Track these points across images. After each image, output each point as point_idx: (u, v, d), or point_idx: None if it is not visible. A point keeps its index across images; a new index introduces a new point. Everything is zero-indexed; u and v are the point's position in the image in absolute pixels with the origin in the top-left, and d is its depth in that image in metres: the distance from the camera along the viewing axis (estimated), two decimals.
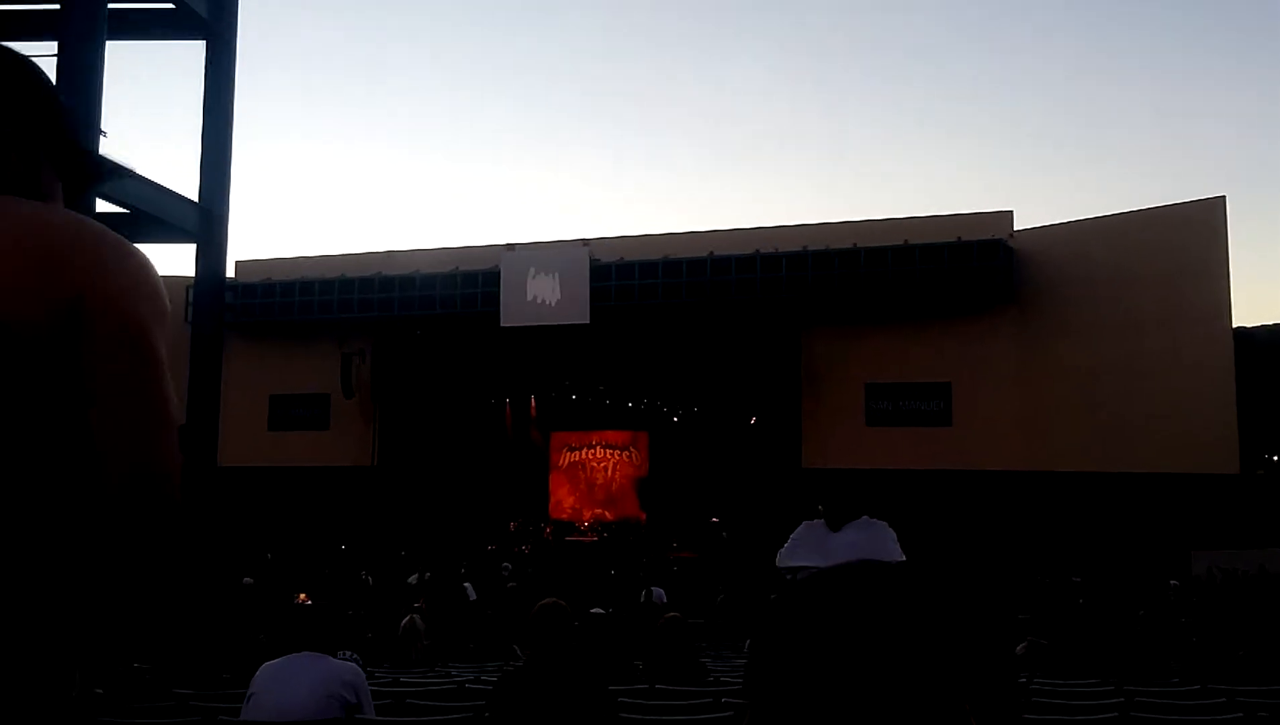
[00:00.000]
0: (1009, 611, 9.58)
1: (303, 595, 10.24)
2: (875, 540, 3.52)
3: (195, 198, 10.36)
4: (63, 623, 0.97)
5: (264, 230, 53.55)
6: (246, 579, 11.52)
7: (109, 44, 8.42)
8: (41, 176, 1.15)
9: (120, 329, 0.99)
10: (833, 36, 45.75)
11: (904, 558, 3.04)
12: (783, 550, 3.92)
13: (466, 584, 11.76)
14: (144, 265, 1.05)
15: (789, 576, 3.82)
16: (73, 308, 0.96)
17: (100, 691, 3.90)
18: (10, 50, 1.14)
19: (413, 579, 12.94)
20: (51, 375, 0.95)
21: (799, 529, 3.93)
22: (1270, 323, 21.99)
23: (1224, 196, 17.82)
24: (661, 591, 11.66)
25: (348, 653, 4.89)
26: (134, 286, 1.02)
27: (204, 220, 10.13)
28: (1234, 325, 17.77)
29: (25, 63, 1.14)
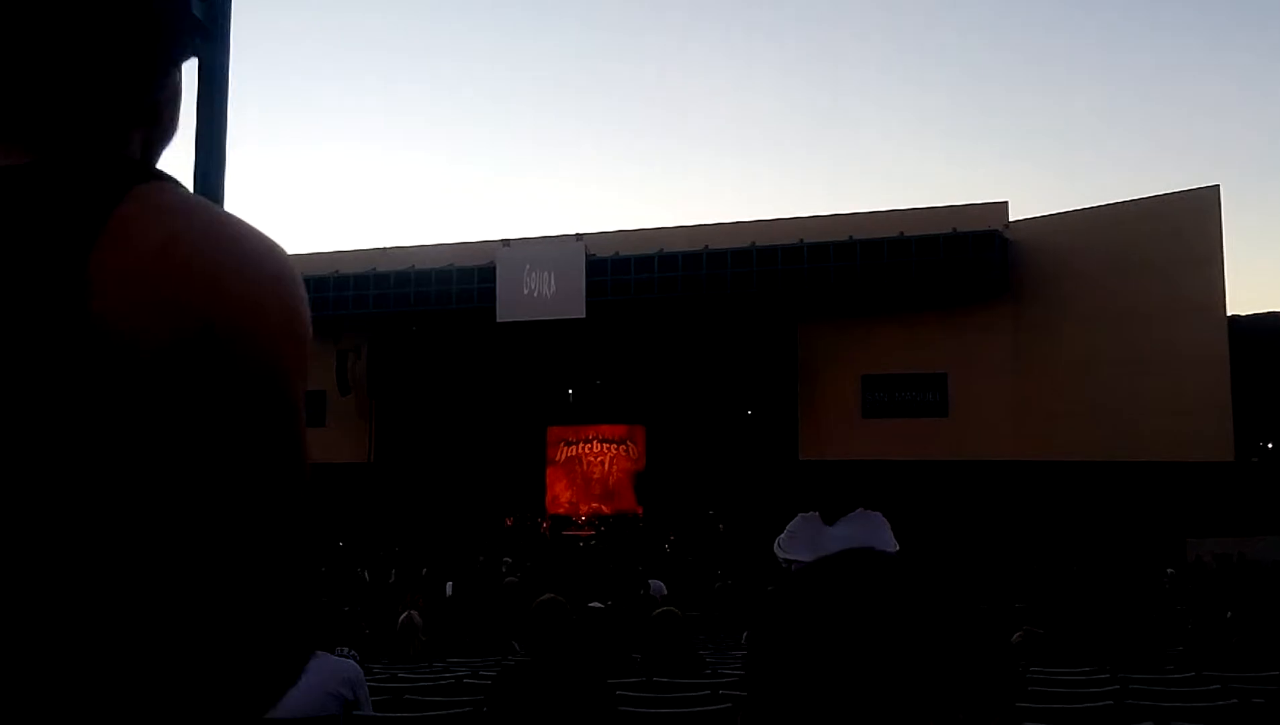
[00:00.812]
0: (1005, 600, 9.62)
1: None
2: (870, 532, 3.54)
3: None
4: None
5: (258, 227, 53.47)
6: None
7: None
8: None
9: (255, 374, 0.79)
10: (828, 29, 45.73)
11: (899, 549, 3.06)
12: (780, 540, 3.94)
13: (449, 582, 11.80)
14: (286, 281, 0.84)
15: (786, 567, 3.84)
16: (202, 336, 0.77)
17: None
18: None
19: (392, 578, 12.97)
20: (174, 411, 0.78)
21: (795, 521, 3.95)
22: (1265, 311, 22.08)
23: (1218, 186, 17.89)
24: (660, 584, 11.68)
25: (345, 649, 4.91)
26: (276, 319, 0.81)
27: None
28: (1228, 314, 17.83)
29: None
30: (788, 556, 3.83)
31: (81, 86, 0.85)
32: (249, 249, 0.82)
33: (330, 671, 3.86)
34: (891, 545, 3.19)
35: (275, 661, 0.81)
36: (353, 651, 5.14)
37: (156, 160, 0.96)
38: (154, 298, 0.76)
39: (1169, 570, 13.21)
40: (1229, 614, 6.44)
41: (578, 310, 20.96)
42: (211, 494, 0.78)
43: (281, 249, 0.86)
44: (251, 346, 0.79)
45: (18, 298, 0.74)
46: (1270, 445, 21.31)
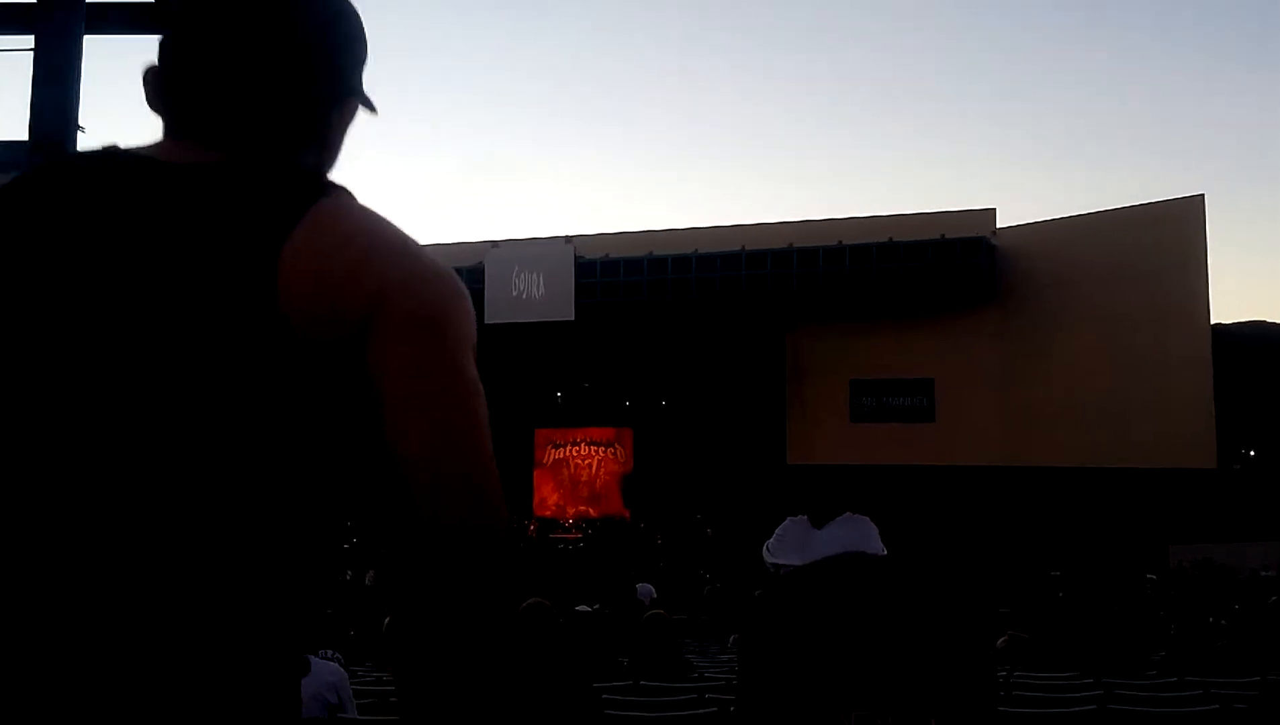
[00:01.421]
0: (990, 605, 9.66)
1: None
2: (859, 536, 3.54)
3: None
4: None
5: None
6: None
7: (87, 39, 8.36)
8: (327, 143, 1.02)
9: (416, 311, 0.85)
10: (817, 35, 45.89)
11: (886, 554, 3.07)
12: (768, 544, 3.95)
13: (369, 571, 11.92)
14: (452, 273, 0.92)
15: (774, 571, 3.85)
16: (373, 306, 0.83)
17: None
18: None
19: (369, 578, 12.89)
20: (349, 381, 0.83)
21: (784, 525, 3.95)
22: (1248, 320, 22.26)
23: (1203, 195, 18.01)
24: (649, 587, 11.67)
25: (329, 652, 4.89)
26: (437, 280, 0.88)
27: None
28: (1212, 322, 17.96)
29: None
30: (776, 560, 3.83)
31: (270, 104, 0.95)
32: (419, 248, 0.91)
33: (314, 675, 3.84)
34: (879, 549, 3.20)
35: (471, 546, 0.82)
36: (337, 654, 5.12)
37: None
38: (337, 276, 0.83)
39: (1150, 576, 13.29)
40: (1211, 620, 6.48)
41: (567, 312, 20.95)
42: (392, 407, 0.83)
43: (453, 275, 0.94)
44: (420, 295, 0.86)
45: (217, 276, 0.81)
46: (1252, 453, 21.48)
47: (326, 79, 0.98)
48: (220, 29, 0.94)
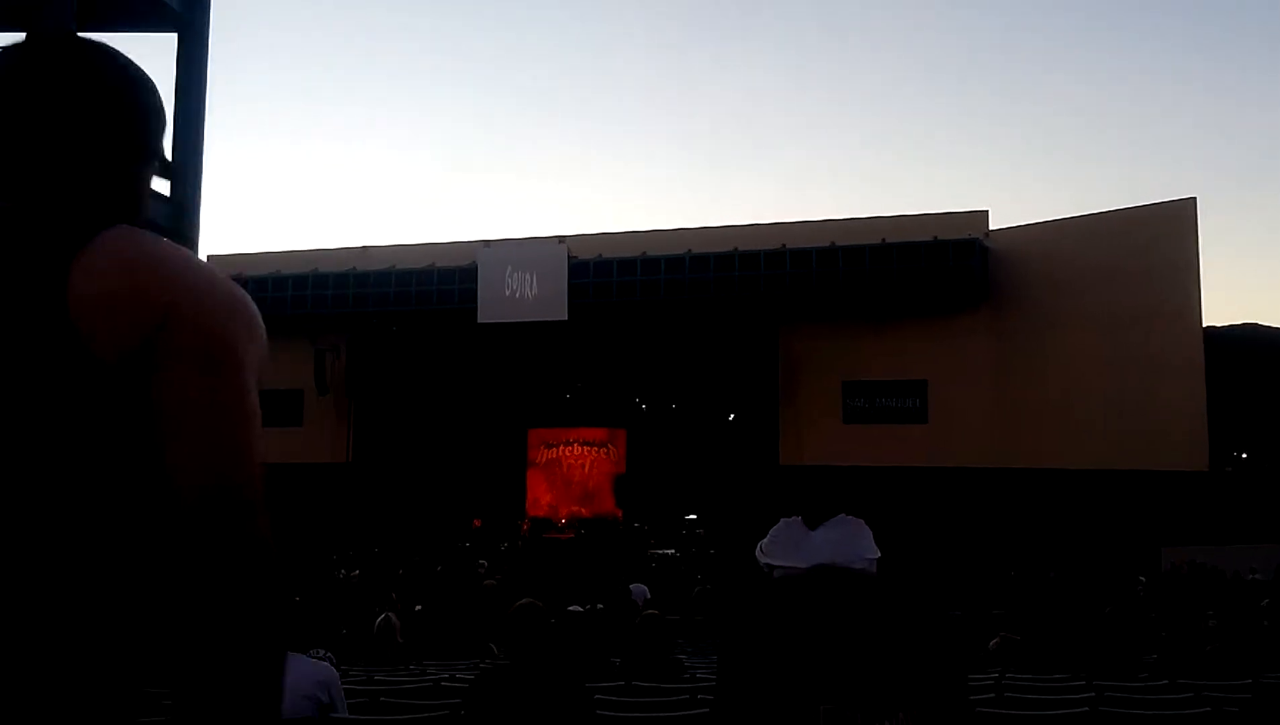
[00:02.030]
0: (982, 606, 9.67)
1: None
2: (851, 538, 3.54)
3: (166, 191, 10.24)
4: (132, 661, 0.92)
5: (237, 224, 53.18)
6: None
7: (79, 35, 8.31)
8: (139, 190, 1.11)
9: (201, 337, 0.92)
10: (811, 37, 45.94)
11: (879, 555, 3.07)
12: (762, 544, 3.95)
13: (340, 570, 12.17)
14: (241, 296, 0.99)
15: (768, 571, 3.86)
16: (158, 326, 0.91)
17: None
18: (98, 45, 1.09)
19: (369, 577, 12.87)
20: (132, 398, 0.90)
21: (777, 525, 3.95)
22: (1239, 323, 22.36)
23: (1195, 198, 18.10)
24: (643, 588, 11.63)
25: (320, 651, 4.86)
26: (224, 306, 0.96)
27: (175, 214, 10.01)
28: (1204, 325, 18.05)
29: (116, 59, 1.09)
30: (769, 561, 3.83)
31: (74, 168, 1.03)
32: (203, 267, 0.98)
33: (305, 674, 3.83)
34: (873, 552, 3.20)
35: (225, 547, 0.90)
36: (328, 653, 5.09)
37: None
38: (123, 295, 0.90)
39: (1141, 578, 13.32)
40: (1204, 622, 6.50)
41: (560, 312, 20.94)
42: (168, 422, 0.90)
43: (241, 291, 1.01)
44: (205, 321, 0.93)
45: (12, 298, 0.88)
46: (1244, 455, 21.58)
47: (131, 148, 1.07)
48: (26, 103, 1.03)
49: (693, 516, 22.43)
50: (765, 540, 4.29)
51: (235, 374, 0.94)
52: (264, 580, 0.91)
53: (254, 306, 1.00)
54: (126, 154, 1.08)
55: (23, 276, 0.90)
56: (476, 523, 23.06)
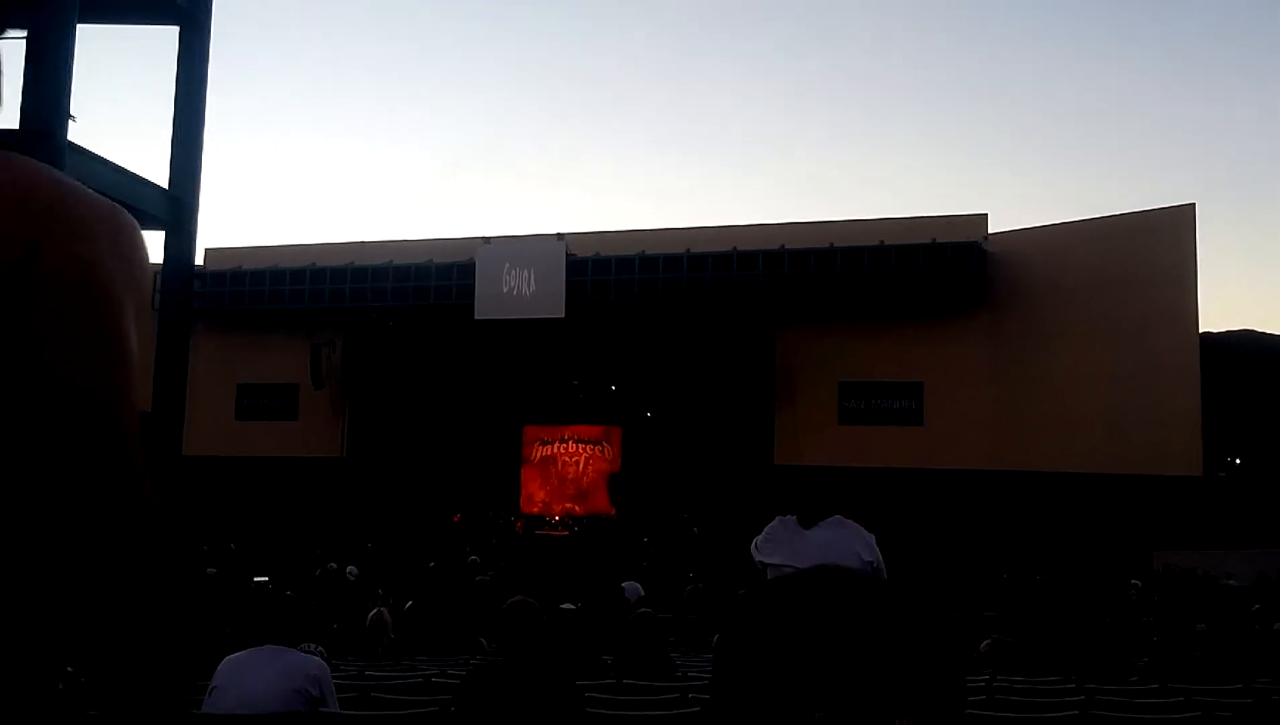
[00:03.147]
0: (975, 608, 9.68)
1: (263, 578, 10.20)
2: (846, 540, 3.54)
3: (165, 184, 10.22)
4: (22, 614, 0.86)
5: (235, 218, 53.06)
6: (210, 569, 11.41)
7: (81, 27, 8.29)
8: None
9: (76, 269, 0.86)
10: (811, 37, 45.92)
11: (875, 558, 3.07)
12: (757, 542, 3.94)
13: (350, 567, 12.25)
14: (122, 226, 0.92)
15: (762, 570, 3.84)
16: (28, 254, 0.84)
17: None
18: None
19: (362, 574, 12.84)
20: (13, 325, 0.84)
21: (772, 524, 3.95)
22: (1235, 329, 22.39)
23: (1194, 204, 18.10)
24: (637, 586, 11.61)
25: (312, 645, 4.86)
26: (102, 240, 0.90)
27: (173, 207, 10.00)
28: (1201, 331, 18.05)
29: None
30: (764, 560, 3.83)
31: None
32: (83, 195, 0.91)
33: (296, 668, 3.82)
34: (868, 553, 3.20)
35: (101, 481, 0.84)
36: (319, 648, 5.09)
37: None
38: None
39: (1134, 582, 13.33)
40: (1197, 627, 6.51)
41: (557, 310, 20.91)
42: (42, 354, 0.84)
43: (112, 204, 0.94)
44: (76, 252, 0.86)
45: None
46: (1238, 461, 21.62)
47: None
48: None
49: (687, 515, 22.41)
50: (760, 538, 4.29)
51: (111, 318, 0.88)
52: (139, 540, 0.86)
53: (130, 224, 0.94)
54: None
55: None
56: (456, 518, 22.95)
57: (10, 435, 0.85)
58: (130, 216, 0.95)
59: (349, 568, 12.63)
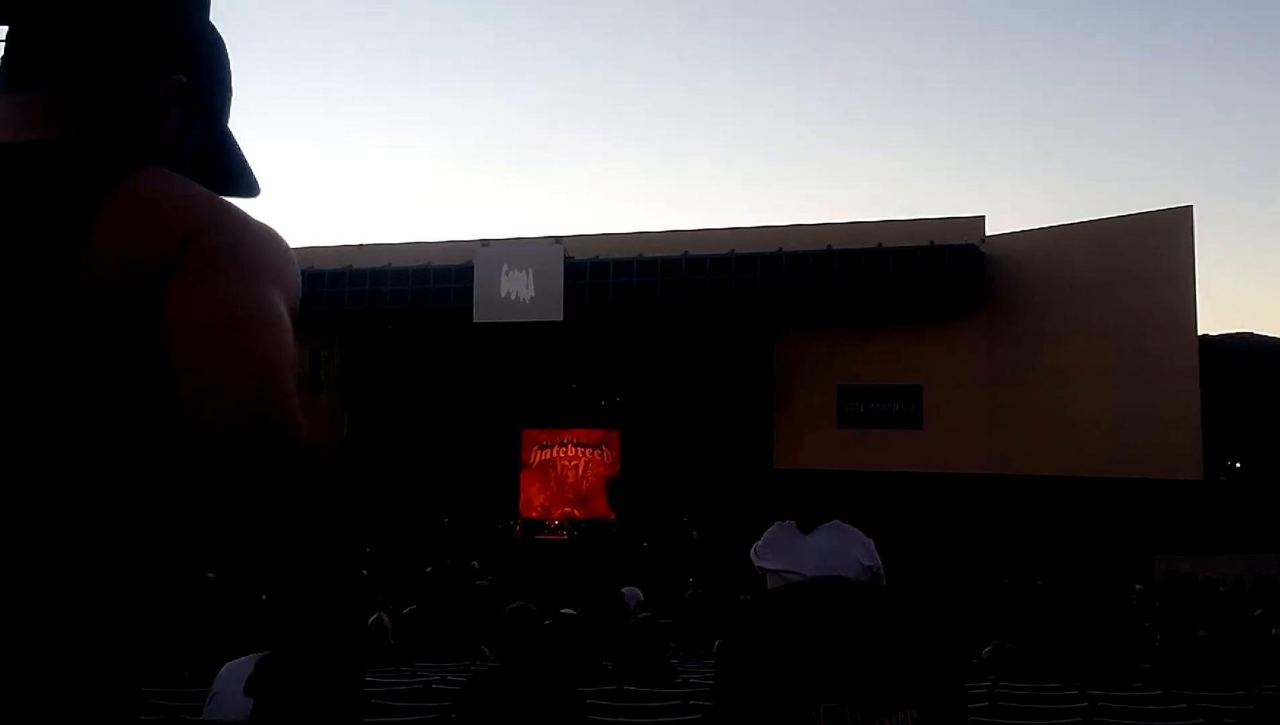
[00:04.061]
0: (976, 613, 9.65)
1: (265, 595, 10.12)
2: (846, 545, 3.52)
3: None
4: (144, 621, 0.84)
5: None
6: (209, 574, 11.37)
7: None
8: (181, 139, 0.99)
9: (221, 242, 0.83)
10: (809, 40, 45.99)
11: (875, 563, 3.05)
12: (756, 547, 3.93)
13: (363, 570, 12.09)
14: (275, 233, 0.89)
15: (761, 575, 3.84)
16: (173, 258, 0.81)
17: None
18: None
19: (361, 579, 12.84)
20: (141, 346, 0.81)
21: (771, 528, 3.93)
22: (1234, 332, 22.40)
23: (1191, 206, 18.12)
24: (636, 591, 11.58)
25: None
26: (258, 234, 0.87)
27: None
28: (1199, 333, 18.05)
29: None
30: (763, 565, 3.82)
31: (94, 61, 0.93)
32: (235, 207, 0.89)
33: None
34: (868, 558, 3.18)
35: (273, 479, 0.79)
36: None
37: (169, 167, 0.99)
38: (141, 232, 0.81)
39: (1136, 587, 13.31)
40: (1200, 633, 6.48)
41: (555, 313, 20.90)
42: (184, 346, 0.80)
43: (275, 231, 0.91)
44: (232, 238, 0.84)
45: (30, 255, 0.80)
46: (1238, 465, 21.61)
47: (153, 49, 0.96)
48: None
49: (686, 519, 22.39)
50: (759, 543, 4.28)
51: (261, 272, 0.84)
52: (322, 501, 0.80)
53: (290, 249, 0.90)
54: (155, 62, 0.96)
55: (43, 221, 0.81)
56: (445, 520, 22.88)
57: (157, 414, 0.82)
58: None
59: (361, 571, 12.63)
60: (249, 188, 1.07)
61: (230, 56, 1.03)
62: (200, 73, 0.99)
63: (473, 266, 21.44)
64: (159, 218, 0.83)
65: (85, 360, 0.80)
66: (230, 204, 0.89)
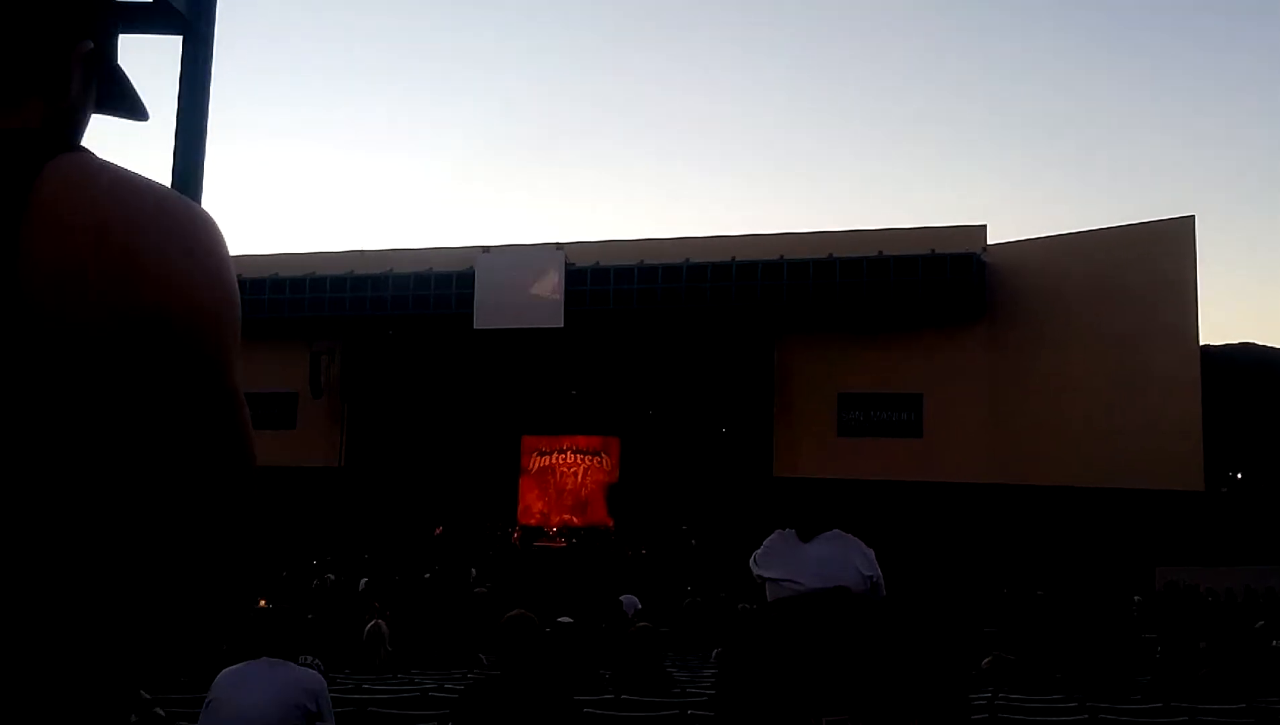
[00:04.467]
0: (975, 624, 9.62)
1: (262, 601, 10.08)
2: (845, 554, 3.50)
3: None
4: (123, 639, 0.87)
5: (235, 226, 53.10)
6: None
7: None
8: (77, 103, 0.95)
9: (203, 364, 0.86)
10: (813, 49, 46.09)
11: (875, 573, 3.03)
12: (755, 556, 3.91)
13: (363, 578, 12.43)
14: (222, 259, 0.90)
15: (760, 583, 3.81)
16: (151, 324, 0.82)
17: (162, 713, 3.70)
18: None
19: (361, 586, 12.79)
20: (112, 390, 0.82)
21: (771, 537, 3.91)
22: (1235, 342, 22.39)
23: (1193, 216, 18.11)
24: (634, 599, 11.55)
25: (308, 659, 4.82)
26: (218, 301, 0.88)
27: None
28: (1201, 343, 18.03)
29: None
30: (763, 573, 3.80)
31: None
32: (176, 224, 0.87)
33: (293, 681, 3.78)
34: (868, 567, 3.16)
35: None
36: (316, 660, 5.04)
37: (71, 136, 0.96)
38: (95, 286, 0.79)
39: (1136, 598, 13.27)
40: (1201, 645, 6.46)
41: (556, 320, 20.90)
42: (155, 470, 0.85)
43: (202, 211, 0.91)
44: (199, 340, 0.85)
45: None
46: (1240, 476, 21.57)
47: (66, 19, 0.92)
48: None
49: (685, 527, 22.35)
50: (759, 551, 4.24)
51: (230, 366, 0.90)
52: (244, 516, 0.91)
53: (230, 264, 0.92)
54: (63, 28, 0.91)
55: None
56: (438, 530, 22.79)
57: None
58: (212, 220, 0.92)
59: (362, 579, 12.63)
60: (138, 111, 1.05)
61: None
62: (103, 34, 0.97)
63: (474, 273, 21.45)
64: (113, 253, 0.82)
65: (31, 374, 0.80)
66: (170, 214, 0.87)
